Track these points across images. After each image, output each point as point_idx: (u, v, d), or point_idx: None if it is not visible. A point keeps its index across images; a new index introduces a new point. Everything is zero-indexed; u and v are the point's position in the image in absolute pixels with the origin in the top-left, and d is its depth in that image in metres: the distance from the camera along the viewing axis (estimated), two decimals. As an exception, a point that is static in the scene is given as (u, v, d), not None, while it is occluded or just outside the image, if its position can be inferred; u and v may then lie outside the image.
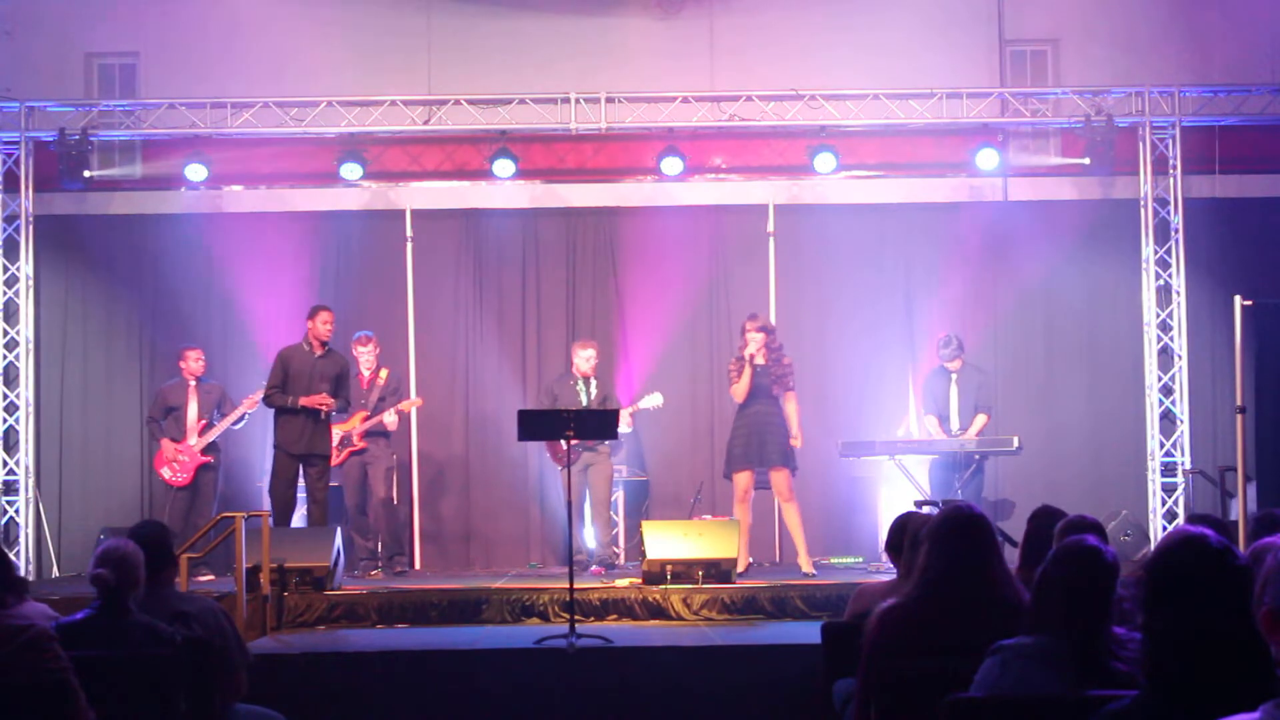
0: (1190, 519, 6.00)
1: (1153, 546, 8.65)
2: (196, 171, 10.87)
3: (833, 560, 10.69)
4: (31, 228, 10.94)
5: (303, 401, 9.36)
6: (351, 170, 10.81)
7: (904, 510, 5.67)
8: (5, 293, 10.95)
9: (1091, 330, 11.40)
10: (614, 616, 8.32)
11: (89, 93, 11.45)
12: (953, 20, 11.49)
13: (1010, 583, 3.90)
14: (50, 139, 10.70)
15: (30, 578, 10.32)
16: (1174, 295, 10.95)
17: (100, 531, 10.25)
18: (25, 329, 10.93)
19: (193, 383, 10.27)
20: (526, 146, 11.17)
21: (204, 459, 10.16)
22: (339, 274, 11.50)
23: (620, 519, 10.82)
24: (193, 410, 10.21)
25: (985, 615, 3.71)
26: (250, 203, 11.52)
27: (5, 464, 10.85)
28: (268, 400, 9.57)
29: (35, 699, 3.80)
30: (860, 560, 10.60)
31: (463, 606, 8.40)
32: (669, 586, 8.44)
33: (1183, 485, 10.78)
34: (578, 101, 10.83)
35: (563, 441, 7.98)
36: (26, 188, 10.88)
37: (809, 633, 6.27)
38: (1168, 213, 11.02)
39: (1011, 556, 4.59)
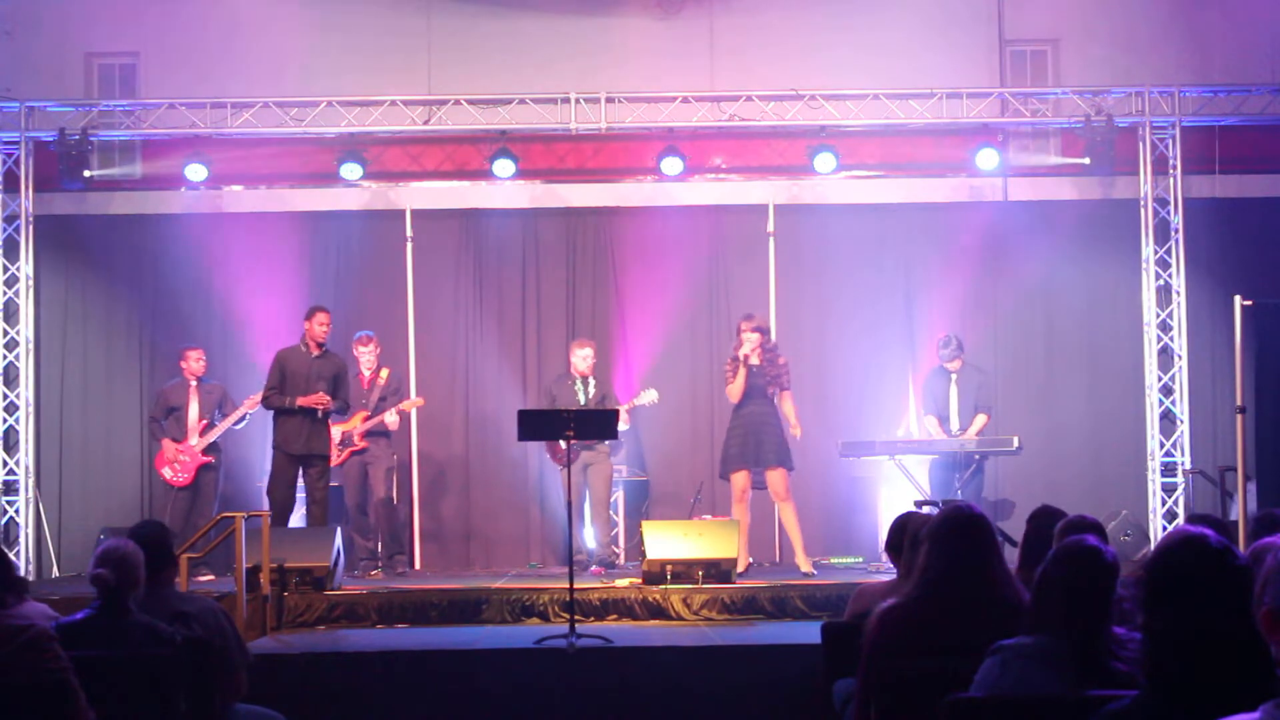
0: (1190, 519, 6.00)
1: (1153, 546, 8.64)
2: (196, 171, 10.87)
3: (833, 560, 10.69)
4: (31, 228, 10.95)
5: (300, 401, 9.36)
6: (351, 170, 10.81)
7: (904, 510, 5.67)
8: (5, 293, 10.95)
9: (1091, 330, 11.39)
10: (614, 616, 8.32)
11: (89, 93, 11.45)
12: (953, 20, 11.49)
13: (1010, 583, 3.90)
14: (50, 139, 10.70)
15: (30, 578, 10.32)
16: (1174, 295, 10.95)
17: (100, 531, 10.25)
18: (25, 329, 10.93)
19: (194, 383, 10.27)
20: (526, 146, 11.17)
21: (205, 459, 10.16)
22: (339, 274, 11.50)
23: (620, 519, 10.83)
24: (194, 410, 10.21)
25: (985, 615, 3.71)
26: (250, 203, 11.52)
27: (5, 464, 10.85)
28: (266, 402, 9.58)
29: (35, 699, 3.80)
30: (860, 560, 10.59)
31: (463, 606, 8.40)
32: (669, 586, 8.44)
33: (1183, 485, 10.78)
34: (578, 101, 10.83)
35: (562, 441, 7.98)
36: (26, 188, 10.88)
37: (809, 633, 6.27)
38: (1168, 213, 11.02)
39: (1011, 556, 4.59)
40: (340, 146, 10.85)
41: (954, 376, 10.38)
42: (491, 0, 11.55)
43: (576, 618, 7.51)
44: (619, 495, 10.79)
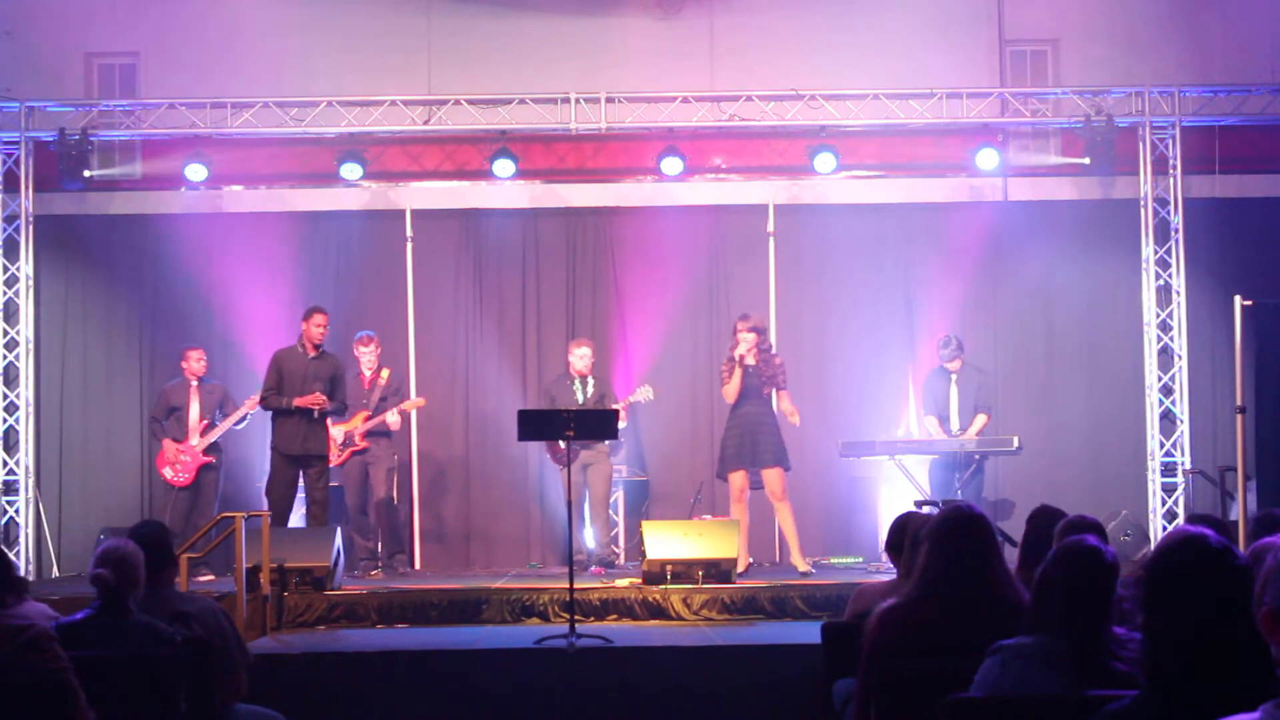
0: (1190, 519, 6.00)
1: (1153, 546, 8.64)
2: (196, 171, 10.87)
3: (833, 560, 10.69)
4: (31, 228, 10.95)
5: (296, 402, 9.38)
6: (351, 170, 10.82)
7: (904, 510, 5.67)
8: (5, 293, 10.95)
9: (1091, 330, 11.39)
10: (614, 616, 8.32)
11: (89, 93, 11.45)
12: (953, 20, 11.49)
13: (1010, 583, 3.90)
14: (50, 139, 10.70)
15: (30, 578, 10.32)
16: (1174, 295, 10.95)
17: (100, 531, 10.25)
18: (25, 329, 10.93)
19: (194, 383, 10.28)
20: (526, 146, 11.17)
21: (206, 459, 10.16)
22: (339, 274, 11.50)
23: (620, 519, 10.83)
24: (195, 410, 10.21)
25: (985, 615, 3.71)
26: (250, 203, 11.52)
27: (5, 464, 10.85)
28: (264, 403, 9.60)
29: (35, 699, 3.80)
30: (860, 560, 10.60)
31: (463, 606, 8.40)
32: (669, 586, 8.44)
33: (1183, 485, 10.78)
34: (578, 101, 10.83)
35: (561, 441, 7.98)
36: (26, 188, 10.88)
37: (809, 633, 6.27)
38: (1168, 213, 11.02)
39: (1011, 556, 4.59)
40: (340, 146, 10.85)
41: (954, 377, 10.38)
42: (491, 0, 11.56)
43: (576, 618, 7.52)
44: (619, 495, 10.80)
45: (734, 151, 11.53)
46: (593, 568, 9.81)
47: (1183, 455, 10.82)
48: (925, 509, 7.42)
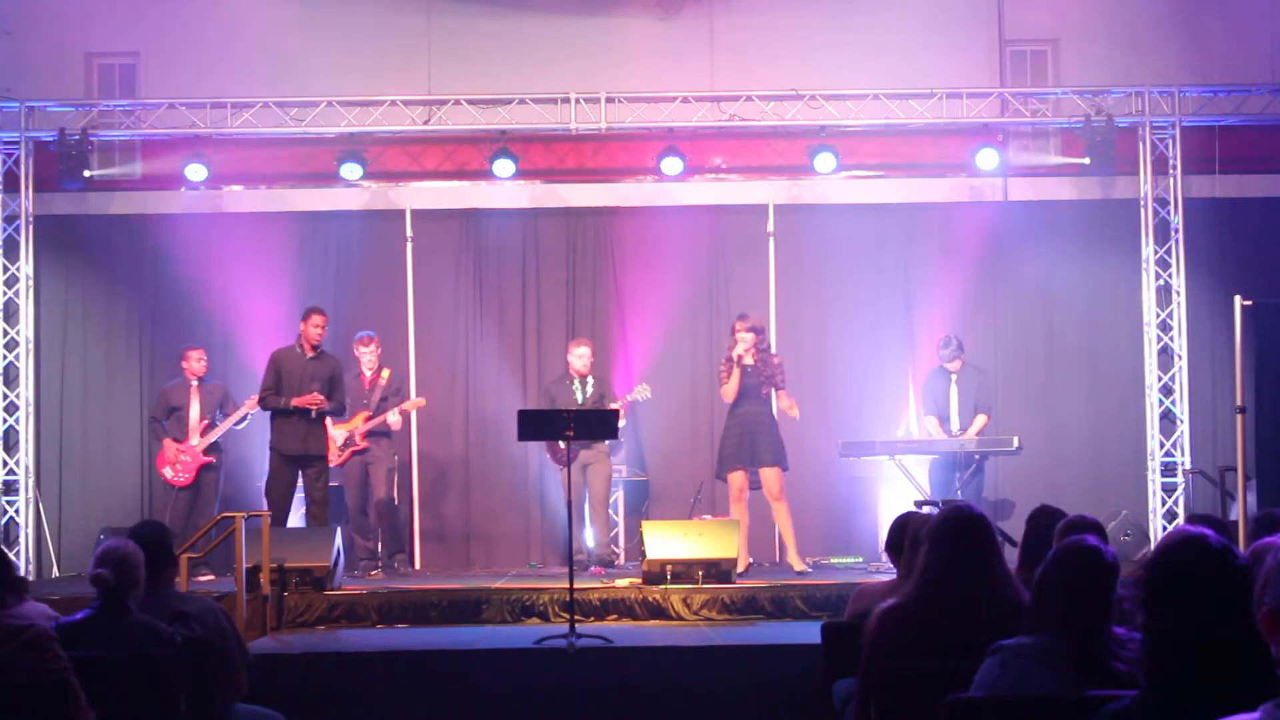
0: (1190, 519, 6.00)
1: (1153, 546, 8.64)
2: (196, 171, 10.87)
3: (833, 560, 10.69)
4: (31, 228, 10.95)
5: (294, 402, 9.39)
6: (351, 170, 10.81)
7: (904, 510, 5.67)
8: (5, 293, 10.95)
9: (1091, 330, 11.39)
10: (614, 616, 8.32)
11: (89, 93, 11.45)
12: (953, 20, 11.49)
13: (1010, 583, 3.90)
14: (50, 139, 10.70)
15: (30, 578, 10.32)
16: (1174, 295, 10.95)
17: (100, 531, 10.25)
18: (25, 329, 10.93)
19: (195, 383, 10.28)
20: (526, 146, 11.17)
21: (206, 459, 10.16)
22: (339, 274, 11.50)
23: (620, 519, 10.83)
24: (195, 410, 10.22)
25: (985, 615, 3.71)
26: (250, 203, 11.52)
27: (5, 464, 10.85)
28: (262, 403, 9.61)
29: (35, 699, 3.80)
30: (860, 560, 10.60)
31: (463, 606, 8.40)
32: (669, 586, 8.44)
33: (1183, 485, 10.78)
34: (578, 101, 10.83)
35: (561, 441, 7.98)
36: (26, 188, 10.88)
37: (809, 633, 6.27)
38: (1168, 213, 11.02)
39: (1011, 556, 4.59)
40: (340, 146, 10.85)
41: (954, 377, 10.38)
42: (491, 0, 11.55)
43: (576, 618, 7.52)
44: (619, 495, 10.80)
45: (734, 151, 11.53)
46: (593, 568, 9.82)
47: (1183, 455, 10.82)
48: (925, 509, 7.42)
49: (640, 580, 8.71)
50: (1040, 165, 11.41)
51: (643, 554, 8.80)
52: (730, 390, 9.45)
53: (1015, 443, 10.04)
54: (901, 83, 10.87)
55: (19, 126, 10.83)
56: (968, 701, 3.25)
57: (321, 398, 9.41)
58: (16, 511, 10.79)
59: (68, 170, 10.61)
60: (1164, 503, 10.80)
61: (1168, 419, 10.93)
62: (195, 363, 10.28)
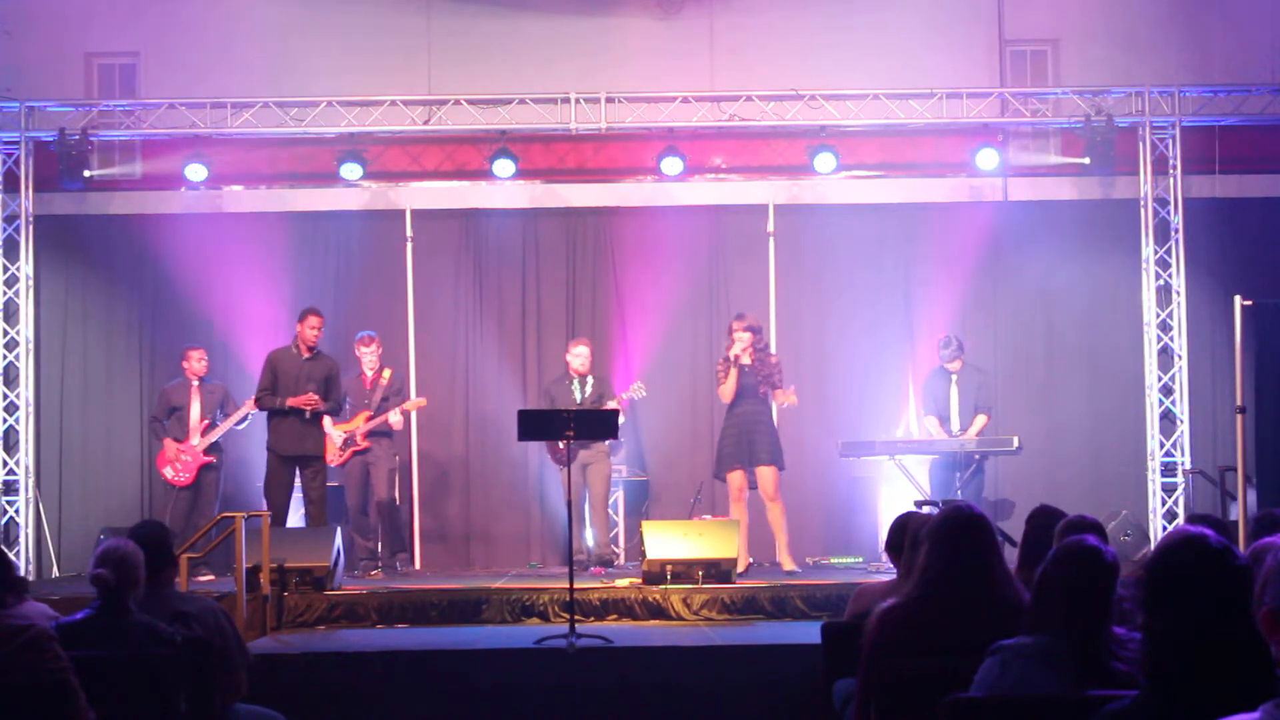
0: (1190, 519, 6.00)
1: (1153, 546, 8.64)
2: (196, 171, 10.87)
3: (833, 560, 10.69)
4: (31, 228, 10.95)
5: (290, 402, 9.43)
6: (351, 170, 10.82)
7: (904, 510, 5.67)
8: (5, 293, 10.95)
9: (1091, 330, 11.39)
10: (614, 616, 8.32)
11: (89, 93, 11.45)
12: (953, 20, 11.49)
13: (1010, 583, 3.90)
14: (50, 139, 10.70)
15: (30, 578, 10.32)
16: (1174, 295, 10.95)
17: (100, 531, 10.25)
18: (25, 329, 10.93)
19: (195, 383, 10.28)
20: (526, 146, 11.17)
21: (206, 459, 10.17)
22: (339, 274, 11.50)
23: (620, 519, 10.84)
24: (195, 410, 10.22)
25: (985, 615, 3.71)
26: (250, 203, 11.52)
27: (5, 464, 10.85)
28: (259, 403, 9.65)
29: (35, 699, 3.80)
30: (860, 560, 10.60)
31: (463, 606, 8.40)
32: (669, 586, 8.44)
33: (1183, 485, 10.78)
34: (578, 101, 10.83)
35: (560, 441, 7.98)
36: (26, 188, 10.88)
37: (809, 633, 6.27)
38: (1168, 213, 11.02)
39: (1011, 556, 4.59)
40: (340, 146, 10.86)
41: (954, 377, 10.38)
42: (491, 0, 11.55)
43: (576, 618, 7.51)
44: (619, 495, 10.80)
45: (734, 151, 11.53)
46: (593, 568, 9.82)
47: (1183, 455, 10.82)
48: (925, 509, 7.42)
49: (640, 580, 8.71)
50: (1040, 165, 11.41)
51: (643, 554, 8.80)
52: (727, 390, 9.45)
53: (1015, 443, 10.05)
54: (901, 83, 10.87)
55: (19, 126, 10.83)
56: (968, 701, 3.25)
57: (316, 398, 9.44)
58: (16, 511, 10.79)
59: (68, 170, 10.61)
60: (1164, 503, 10.80)
61: (1168, 419, 10.93)
62: (196, 363, 10.28)
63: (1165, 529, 10.55)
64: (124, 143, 11.13)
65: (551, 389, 10.32)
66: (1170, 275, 10.98)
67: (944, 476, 10.12)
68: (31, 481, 10.87)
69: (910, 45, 11.19)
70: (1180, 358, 10.90)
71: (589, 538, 10.07)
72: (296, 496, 9.70)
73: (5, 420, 10.89)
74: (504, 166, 10.80)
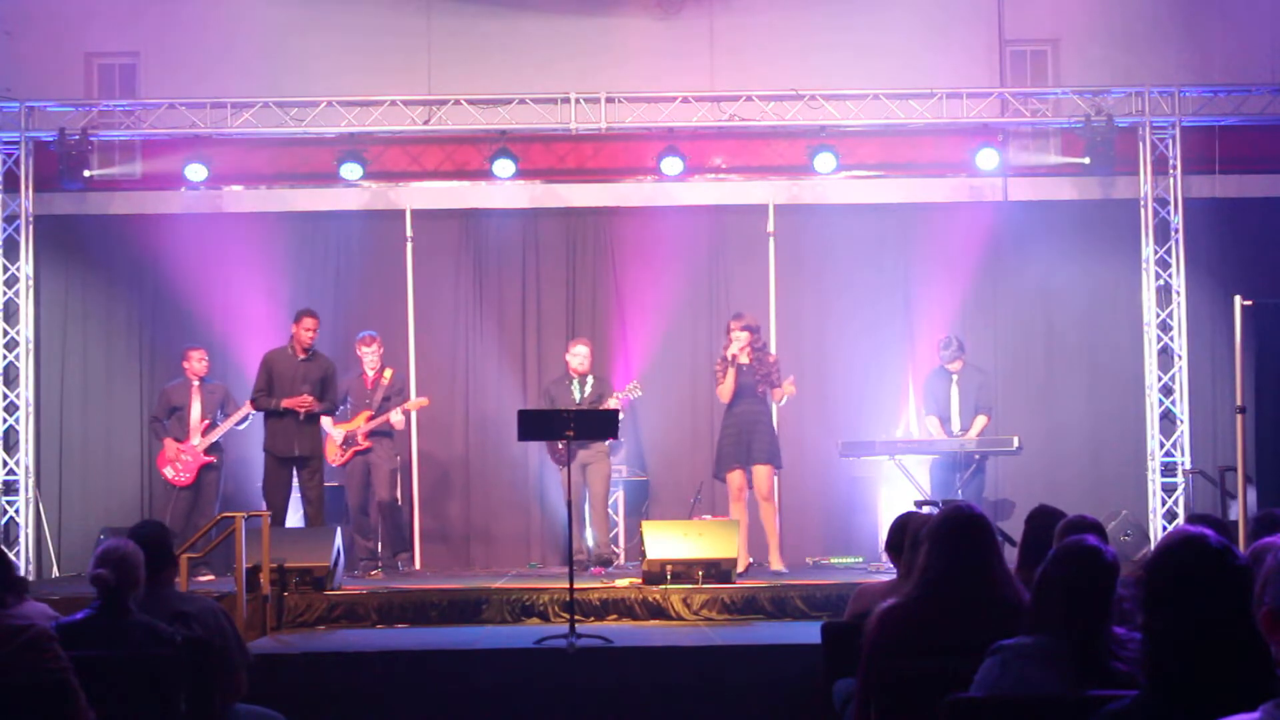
0: (1190, 519, 6.00)
1: (1153, 546, 8.64)
2: (196, 171, 10.87)
3: (833, 560, 10.69)
4: (31, 228, 10.95)
5: (285, 403, 9.47)
6: (351, 170, 10.81)
7: (904, 510, 5.67)
8: (5, 293, 10.95)
9: (1091, 330, 11.39)
10: (614, 616, 8.32)
11: (89, 93, 11.45)
12: (953, 20, 11.49)
13: (1010, 583, 3.90)
14: (50, 139, 10.70)
15: (30, 578, 10.32)
16: (1174, 295, 10.95)
17: (100, 531, 10.25)
18: (25, 329, 10.93)
19: (196, 383, 10.28)
20: (526, 146, 11.17)
21: (207, 459, 10.17)
22: (339, 274, 11.51)
23: (620, 519, 10.83)
24: (196, 410, 10.22)
25: (985, 615, 3.71)
26: (250, 203, 11.52)
27: (5, 464, 10.85)
28: (254, 404, 9.68)
29: (35, 699, 3.80)
30: (860, 560, 10.60)
31: (463, 606, 8.40)
32: (669, 586, 8.44)
33: (1183, 485, 10.78)
34: (578, 101, 10.83)
35: (559, 441, 7.98)
36: (26, 188, 10.88)
37: (809, 633, 6.27)
38: (1168, 213, 11.02)
39: (1011, 556, 4.59)
40: (340, 146, 10.85)
41: (955, 377, 10.38)
42: (491, 0, 11.55)
43: (576, 618, 7.51)
44: (619, 495, 10.80)
45: (734, 151, 11.53)
46: (593, 568, 9.82)
47: (1183, 455, 10.82)
48: (925, 509, 7.42)
49: (640, 580, 8.71)
50: (1040, 165, 11.41)
51: (643, 554, 8.80)
52: (726, 390, 9.46)
53: (1015, 443, 10.05)
54: (901, 83, 10.86)
55: (19, 126, 10.83)
56: (968, 701, 3.25)
57: (311, 399, 9.48)
58: (16, 511, 10.79)
59: (68, 170, 10.61)
60: (1164, 503, 10.80)
61: (1168, 419, 10.93)
62: (197, 363, 10.28)
63: (1165, 529, 10.55)
64: (124, 143, 11.13)
65: (551, 389, 10.32)
66: (1170, 275, 10.98)
67: (944, 476, 10.12)
68: (31, 481, 10.87)
69: (910, 45, 11.19)
70: (1180, 358, 10.90)
71: (589, 538, 10.07)
72: (296, 497, 9.72)
73: (5, 420, 10.89)
74: (504, 166, 10.80)
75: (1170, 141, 10.94)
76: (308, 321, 9.66)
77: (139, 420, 11.15)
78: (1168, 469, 10.85)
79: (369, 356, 10.26)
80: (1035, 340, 11.48)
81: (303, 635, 7.98)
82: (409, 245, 11.40)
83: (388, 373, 10.29)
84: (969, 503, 4.13)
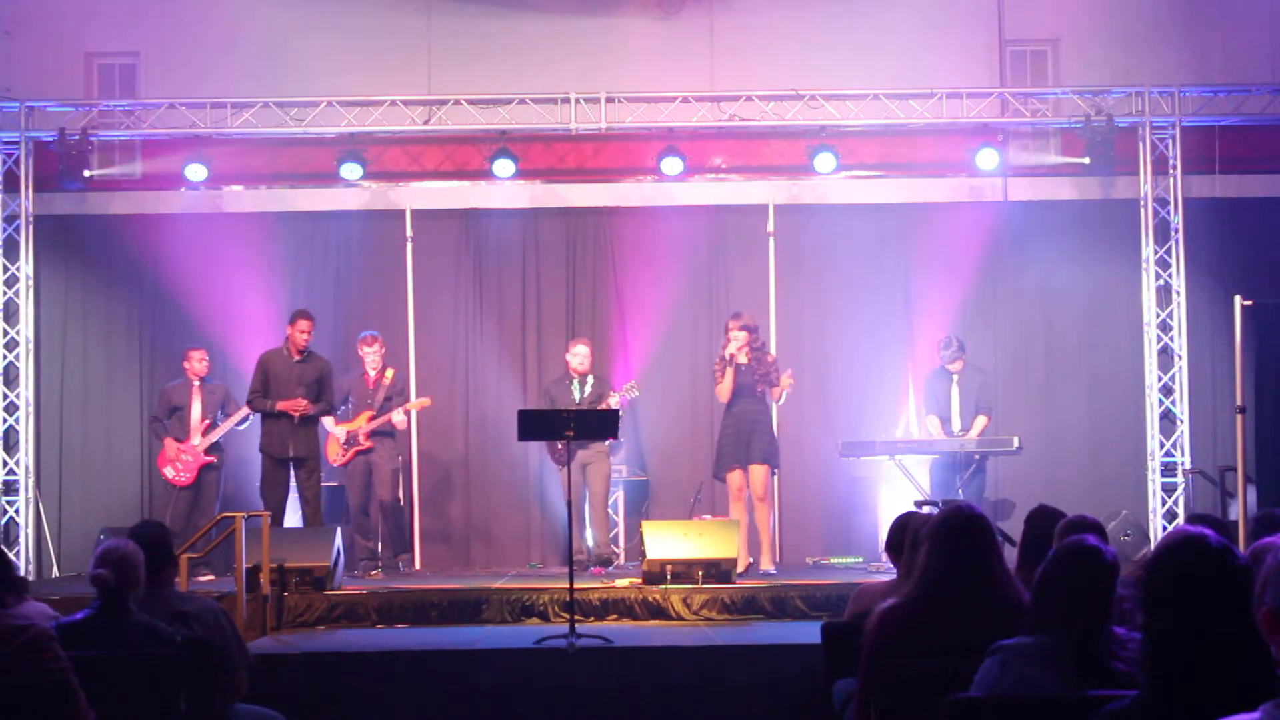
0: (1190, 519, 6.00)
1: (1153, 546, 8.64)
2: (196, 171, 10.87)
3: (833, 560, 10.69)
4: (31, 228, 10.95)
5: (279, 406, 9.52)
6: (351, 170, 10.81)
7: (904, 510, 5.67)
8: (5, 293, 10.95)
9: (1091, 330, 11.39)
10: (614, 616, 8.32)
11: (89, 93, 11.45)
12: (953, 20, 11.49)
13: (1010, 583, 3.90)
14: (50, 139, 10.70)
15: (30, 578, 10.32)
16: (1174, 295, 10.95)
17: (100, 531, 10.25)
18: (25, 329, 10.93)
19: (196, 383, 10.29)
20: (526, 146, 11.17)
21: (207, 459, 10.17)
22: (339, 274, 11.51)
23: (620, 519, 10.83)
24: (196, 410, 10.22)
25: (985, 615, 3.71)
26: (250, 203, 11.52)
27: (5, 464, 10.85)
28: (250, 405, 9.71)
29: (35, 699, 3.80)
30: (860, 560, 10.60)
31: (463, 606, 8.40)
32: (669, 586, 8.44)
33: (1183, 485, 10.78)
34: (578, 101, 10.83)
35: (559, 441, 7.97)
36: (26, 188, 10.88)
37: (809, 633, 6.27)
38: (1168, 213, 11.02)
39: (1011, 556, 4.59)
40: (340, 146, 10.85)
41: (955, 378, 10.38)
42: (491, 0, 11.55)
43: (576, 618, 7.52)
44: (619, 495, 10.80)
45: (734, 151, 11.53)
46: (593, 568, 9.81)
47: (1183, 455, 10.82)
48: (925, 509, 7.42)
49: (640, 580, 8.71)
50: (1040, 165, 11.41)
51: (643, 554, 8.80)
52: (725, 390, 9.46)
53: (1015, 443, 10.05)
54: (901, 83, 10.86)
55: (19, 126, 10.83)
56: (968, 701, 3.25)
57: (306, 403, 9.52)
58: (16, 511, 10.79)
59: (68, 170, 10.61)
60: (1164, 503, 10.80)
61: (1168, 419, 10.93)
62: (197, 363, 10.29)
63: (1165, 529, 10.55)
64: (124, 143, 11.13)
65: (551, 389, 10.32)
66: (1170, 275, 10.98)
67: (944, 477, 10.12)
68: (31, 481, 10.87)
69: (910, 45, 11.19)
70: (1180, 358, 10.90)
71: (589, 538, 10.07)
72: (294, 497, 9.73)
73: (5, 420, 10.89)
74: (504, 166, 10.80)
75: (1170, 141, 10.94)
76: (302, 323, 9.68)
77: (139, 420, 11.15)
78: (1168, 469, 10.86)
79: (371, 356, 10.26)
80: (1035, 340, 11.48)
81: (303, 635, 7.98)
82: (409, 245, 11.40)
83: (389, 373, 10.29)
84: (969, 503, 4.13)
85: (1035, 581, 3.34)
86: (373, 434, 10.09)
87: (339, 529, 9.08)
